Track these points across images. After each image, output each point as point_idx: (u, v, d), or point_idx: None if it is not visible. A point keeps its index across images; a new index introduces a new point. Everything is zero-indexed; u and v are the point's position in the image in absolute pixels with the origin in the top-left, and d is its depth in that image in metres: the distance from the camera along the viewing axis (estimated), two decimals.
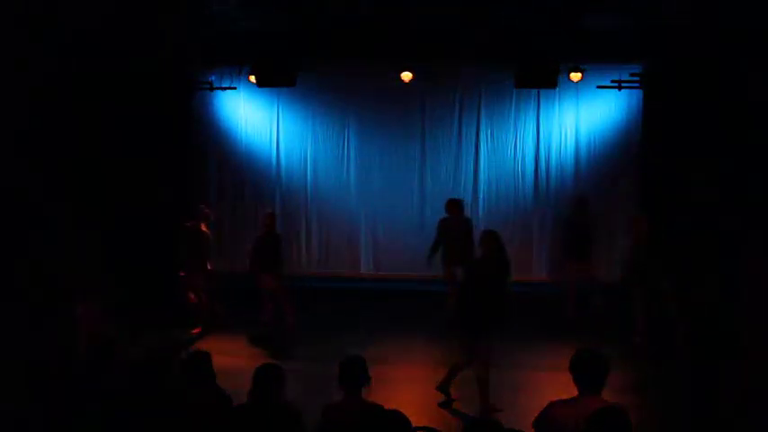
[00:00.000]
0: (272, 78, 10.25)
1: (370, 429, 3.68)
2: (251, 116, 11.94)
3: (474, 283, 6.84)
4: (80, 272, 7.99)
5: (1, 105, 6.79)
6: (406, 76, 10.54)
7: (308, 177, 11.92)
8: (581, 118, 11.30)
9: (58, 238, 7.69)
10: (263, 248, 9.42)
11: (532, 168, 11.51)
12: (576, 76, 10.19)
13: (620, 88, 10.60)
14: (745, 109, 7.54)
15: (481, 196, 11.54)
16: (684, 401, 6.88)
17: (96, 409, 4.55)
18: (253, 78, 10.36)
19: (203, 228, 9.68)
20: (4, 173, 6.91)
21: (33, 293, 6.85)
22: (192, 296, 9.61)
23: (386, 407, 4.14)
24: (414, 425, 3.65)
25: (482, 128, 11.58)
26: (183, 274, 9.68)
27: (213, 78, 11.37)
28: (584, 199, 10.27)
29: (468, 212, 11.50)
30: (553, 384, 5.93)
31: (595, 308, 9.81)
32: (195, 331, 9.41)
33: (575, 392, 3.94)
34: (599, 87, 10.70)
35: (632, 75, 10.45)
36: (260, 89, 10.95)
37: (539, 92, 11.22)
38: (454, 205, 9.96)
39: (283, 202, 11.91)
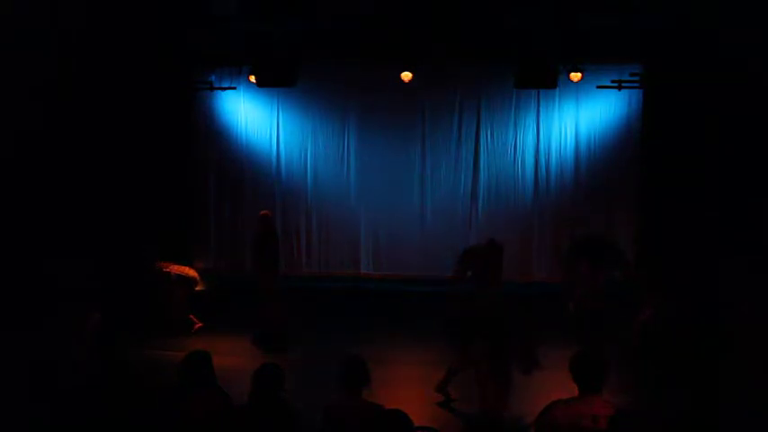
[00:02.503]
0: (272, 78, 10.25)
1: (371, 429, 3.68)
2: (251, 116, 11.94)
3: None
4: (80, 274, 8.00)
5: (1, 107, 6.79)
6: (406, 76, 10.54)
7: (308, 177, 11.92)
8: (581, 118, 11.31)
9: (59, 240, 7.70)
10: (256, 247, 9.47)
11: (532, 168, 11.51)
12: (575, 76, 10.19)
13: (619, 88, 10.60)
14: (745, 109, 7.54)
15: (481, 196, 11.54)
16: (683, 401, 6.88)
17: (97, 409, 4.56)
18: (253, 78, 10.36)
19: None
20: (3, 175, 6.91)
21: (37, 297, 6.87)
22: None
23: (386, 407, 4.14)
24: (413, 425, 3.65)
25: (482, 128, 11.58)
26: None
27: (213, 78, 11.37)
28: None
29: (467, 213, 11.54)
30: (553, 384, 5.93)
31: (595, 309, 9.80)
32: (196, 327, 9.45)
33: (575, 392, 3.95)
34: (599, 87, 10.70)
35: (632, 75, 10.45)
36: (260, 89, 10.95)
37: (539, 92, 11.21)
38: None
39: (283, 202, 11.91)
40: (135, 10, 8.55)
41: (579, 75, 10.18)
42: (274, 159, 11.96)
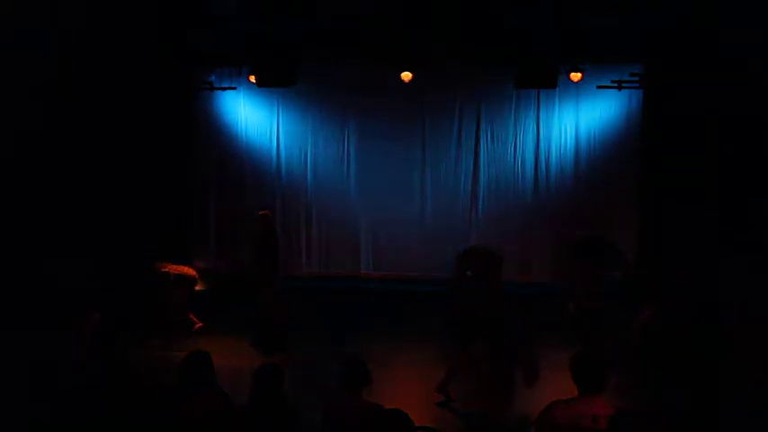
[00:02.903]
0: (272, 78, 10.25)
1: (371, 429, 3.68)
2: (251, 116, 11.94)
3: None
4: (80, 274, 8.00)
5: (1, 107, 6.80)
6: (406, 76, 10.54)
7: (309, 177, 11.92)
8: (581, 118, 11.29)
9: (59, 240, 7.70)
10: (255, 248, 9.48)
11: (532, 168, 11.49)
12: (575, 76, 10.18)
13: (619, 88, 10.60)
14: (745, 109, 7.54)
15: (481, 196, 11.54)
16: (683, 401, 6.89)
17: (97, 409, 4.56)
18: (253, 78, 10.36)
19: None
20: (3, 175, 6.91)
21: (37, 297, 6.87)
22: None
23: (386, 407, 4.14)
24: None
25: (482, 128, 11.57)
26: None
27: (213, 78, 11.37)
28: None
29: (467, 213, 11.57)
30: (553, 384, 5.94)
31: (595, 309, 9.80)
32: (196, 327, 9.45)
33: (575, 392, 3.95)
34: (599, 87, 10.70)
35: (632, 75, 10.45)
36: (260, 89, 10.95)
37: (539, 92, 11.20)
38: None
39: (283, 203, 11.91)
40: (135, 10, 8.55)
41: (579, 75, 10.18)
42: (274, 159, 11.95)
